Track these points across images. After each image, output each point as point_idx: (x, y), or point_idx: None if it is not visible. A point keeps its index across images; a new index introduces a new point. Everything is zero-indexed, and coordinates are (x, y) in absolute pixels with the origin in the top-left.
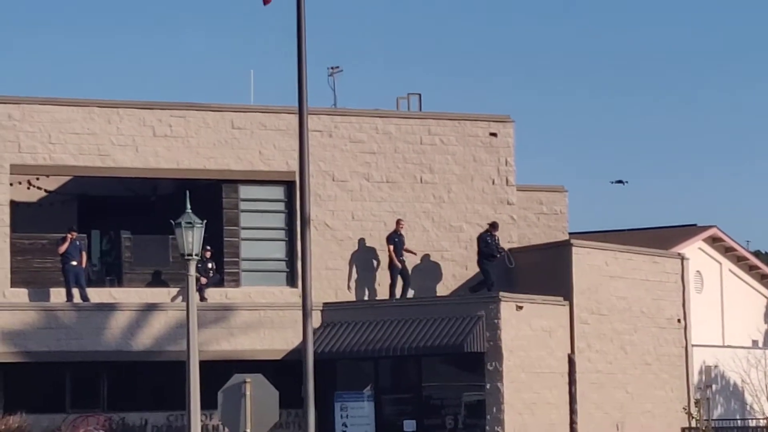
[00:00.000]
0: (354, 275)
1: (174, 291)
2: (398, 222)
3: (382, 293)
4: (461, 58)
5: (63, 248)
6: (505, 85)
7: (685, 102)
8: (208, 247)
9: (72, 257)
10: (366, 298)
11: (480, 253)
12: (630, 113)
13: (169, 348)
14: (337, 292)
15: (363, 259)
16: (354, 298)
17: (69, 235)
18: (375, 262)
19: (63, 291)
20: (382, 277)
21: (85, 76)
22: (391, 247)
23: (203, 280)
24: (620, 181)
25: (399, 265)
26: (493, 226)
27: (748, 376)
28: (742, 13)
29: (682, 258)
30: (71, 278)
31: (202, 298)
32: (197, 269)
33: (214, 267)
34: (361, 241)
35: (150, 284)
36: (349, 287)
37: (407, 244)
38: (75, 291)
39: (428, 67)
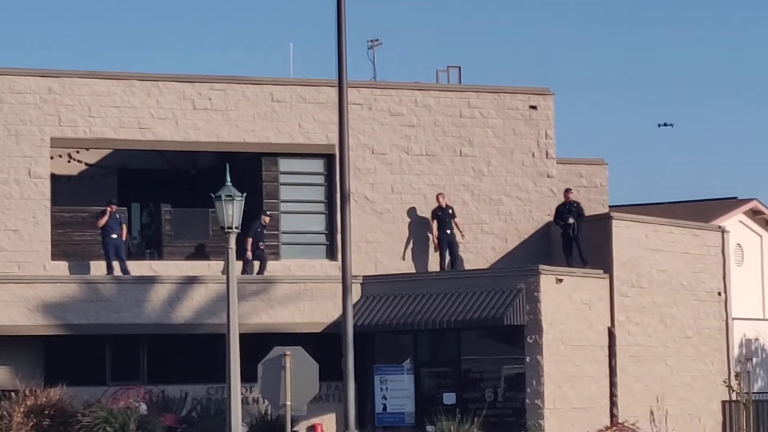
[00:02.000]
0: (408, 246)
1: (215, 264)
2: (437, 197)
3: (433, 266)
4: (501, 30)
5: (103, 221)
6: (545, 57)
7: (724, 76)
8: (268, 212)
9: (112, 230)
10: (413, 270)
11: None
12: (669, 86)
13: (209, 321)
14: (376, 265)
15: (410, 231)
16: (407, 270)
17: (109, 209)
18: (417, 235)
19: (103, 264)
20: (421, 250)
21: (125, 49)
22: (435, 222)
23: (262, 245)
24: (666, 124)
25: (436, 242)
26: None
27: None
28: None
29: (723, 231)
30: (111, 251)
31: (262, 266)
32: (256, 234)
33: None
34: (412, 210)
35: (190, 257)
36: (404, 257)
37: (458, 218)
38: (115, 264)
39: (467, 40)
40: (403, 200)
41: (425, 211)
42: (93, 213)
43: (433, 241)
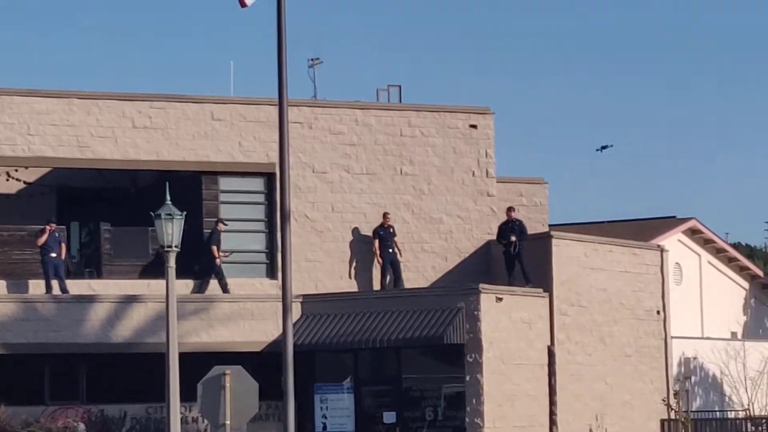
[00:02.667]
0: (351, 265)
1: (154, 282)
2: (384, 215)
3: (375, 284)
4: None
5: (42, 240)
6: (486, 77)
7: (665, 96)
8: (226, 222)
9: (51, 249)
10: (353, 289)
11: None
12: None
13: (149, 340)
14: (316, 284)
15: (346, 250)
16: (348, 289)
17: (48, 227)
18: (358, 254)
19: (42, 283)
20: (362, 269)
21: (65, 68)
22: (377, 241)
23: (218, 262)
24: (605, 147)
25: (380, 261)
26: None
27: (727, 367)
28: (727, 9)
29: (662, 250)
30: (50, 270)
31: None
32: (219, 242)
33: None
34: (355, 229)
35: (130, 276)
36: (350, 276)
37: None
38: (54, 283)
39: (408, 59)
40: (344, 219)
41: (367, 230)
42: (32, 232)
43: (377, 260)
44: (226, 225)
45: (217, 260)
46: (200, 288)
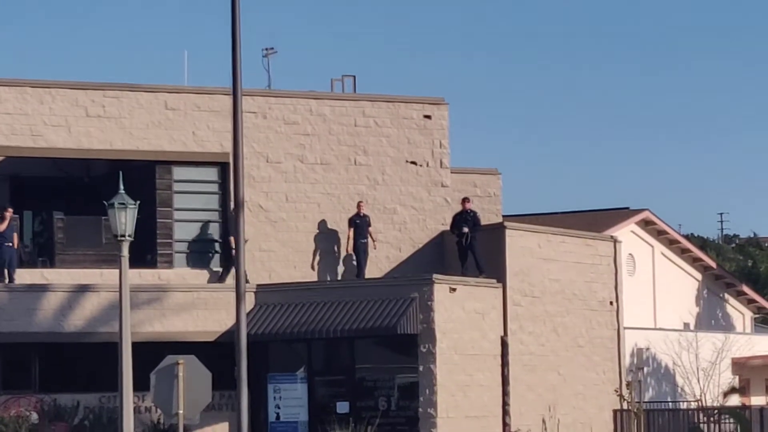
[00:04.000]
0: (317, 257)
1: (107, 272)
2: (359, 204)
3: (330, 276)
4: (395, 40)
5: (3, 227)
6: (440, 67)
7: (618, 85)
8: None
9: (7, 239)
10: (307, 279)
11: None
12: (563, 96)
13: (102, 329)
14: (270, 274)
15: (300, 240)
16: (301, 279)
17: (7, 213)
18: (311, 244)
19: None
20: (323, 260)
21: (17, 56)
22: (351, 229)
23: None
24: (414, 162)
25: (349, 250)
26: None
27: (680, 358)
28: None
29: (615, 241)
30: (7, 259)
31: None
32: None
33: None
34: (322, 223)
35: (83, 265)
36: (312, 267)
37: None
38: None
39: (362, 49)
40: (298, 209)
41: (318, 220)
42: None
43: (347, 249)
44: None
45: (350, 244)
46: (220, 278)
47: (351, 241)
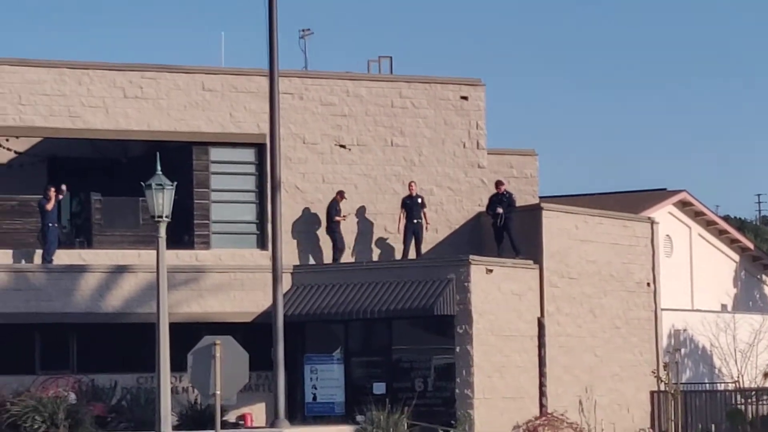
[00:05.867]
0: (354, 237)
1: (145, 253)
2: (410, 185)
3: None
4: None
5: (50, 205)
6: (477, 48)
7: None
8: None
9: (53, 218)
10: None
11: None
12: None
13: (139, 310)
14: (307, 255)
15: (343, 222)
16: (345, 259)
17: (51, 193)
18: (352, 226)
19: (32, 252)
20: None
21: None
22: (403, 210)
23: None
24: (343, 146)
25: (399, 231)
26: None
27: (717, 339)
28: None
29: (652, 222)
30: (55, 239)
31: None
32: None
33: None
34: (362, 209)
35: (120, 246)
36: (349, 247)
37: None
38: (39, 252)
39: (399, 30)
40: (334, 190)
41: (357, 202)
42: (23, 201)
43: (398, 229)
44: (344, 198)
45: (401, 224)
46: (333, 258)
47: (402, 222)
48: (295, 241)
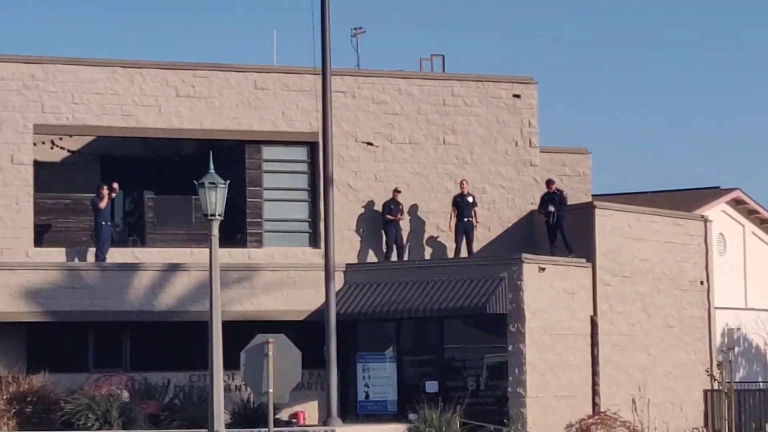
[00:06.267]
0: (405, 236)
1: (197, 251)
2: (461, 183)
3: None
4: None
5: (104, 204)
6: (529, 46)
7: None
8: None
9: (107, 217)
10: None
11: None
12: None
13: (192, 308)
14: (359, 253)
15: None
16: (406, 257)
17: (104, 191)
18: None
19: (85, 251)
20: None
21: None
22: (454, 209)
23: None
24: (370, 143)
25: (451, 229)
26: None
27: None
28: None
29: (705, 220)
30: (109, 237)
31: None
32: (390, 210)
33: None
34: (414, 207)
35: (173, 244)
36: (401, 247)
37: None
38: (91, 250)
39: (451, 28)
40: (387, 188)
41: (409, 200)
42: (76, 200)
43: (449, 227)
44: (400, 192)
45: (451, 223)
46: (386, 256)
47: (453, 220)
48: (347, 239)
